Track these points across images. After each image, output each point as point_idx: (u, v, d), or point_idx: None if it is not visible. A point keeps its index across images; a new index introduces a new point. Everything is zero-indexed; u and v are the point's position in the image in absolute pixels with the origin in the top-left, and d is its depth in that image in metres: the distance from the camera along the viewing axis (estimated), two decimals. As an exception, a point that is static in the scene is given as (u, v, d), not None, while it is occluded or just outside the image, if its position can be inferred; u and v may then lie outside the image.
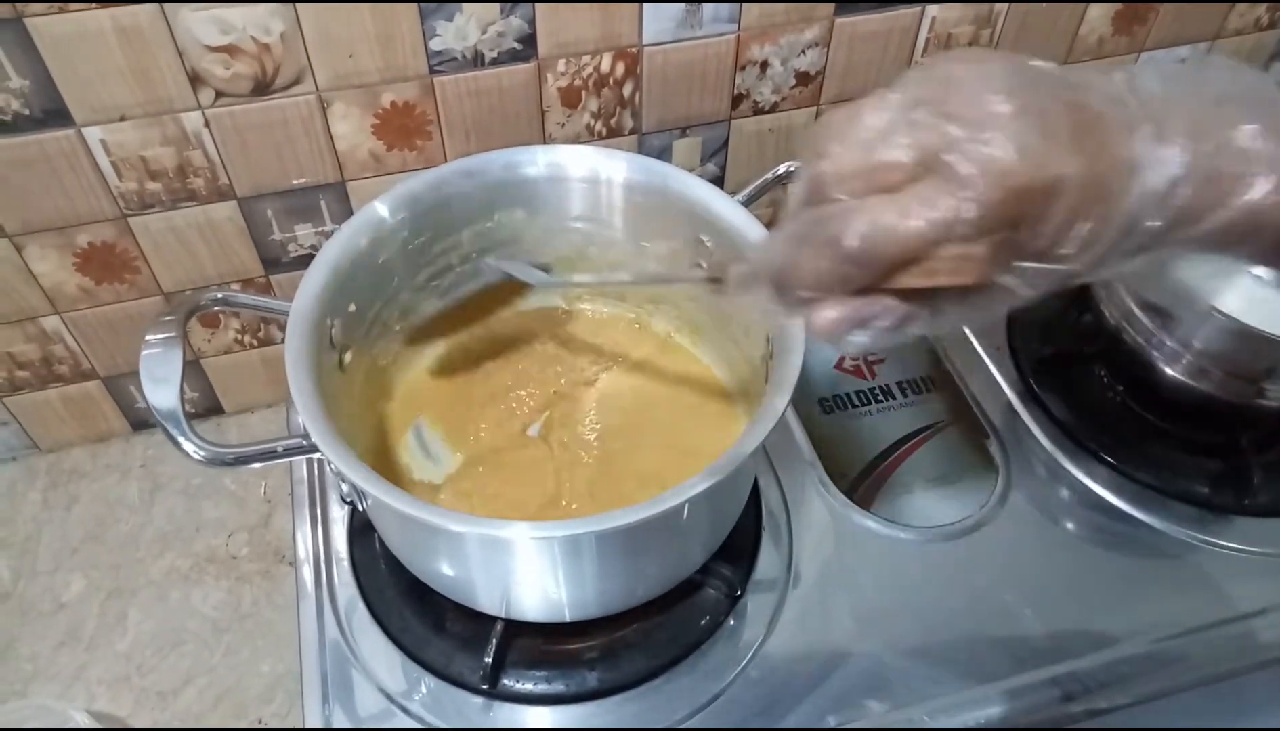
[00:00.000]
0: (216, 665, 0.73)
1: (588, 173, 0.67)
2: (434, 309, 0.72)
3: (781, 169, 0.67)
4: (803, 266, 0.36)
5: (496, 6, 0.68)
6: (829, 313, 0.36)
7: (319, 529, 0.72)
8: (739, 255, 0.40)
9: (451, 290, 0.71)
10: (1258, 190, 0.34)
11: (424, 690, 0.64)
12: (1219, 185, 0.34)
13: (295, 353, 0.55)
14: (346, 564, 0.70)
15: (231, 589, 0.77)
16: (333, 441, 0.51)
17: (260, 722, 0.70)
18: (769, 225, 0.62)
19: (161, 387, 0.52)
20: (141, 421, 0.86)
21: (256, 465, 0.55)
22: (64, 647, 0.73)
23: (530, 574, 0.57)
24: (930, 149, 0.33)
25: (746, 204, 0.65)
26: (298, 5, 0.63)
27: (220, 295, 0.59)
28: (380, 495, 0.50)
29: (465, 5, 0.67)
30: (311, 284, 0.58)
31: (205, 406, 0.88)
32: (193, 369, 0.84)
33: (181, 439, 0.51)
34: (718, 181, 0.85)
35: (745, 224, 0.63)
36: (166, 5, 0.61)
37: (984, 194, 0.32)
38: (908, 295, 0.35)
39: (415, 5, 0.66)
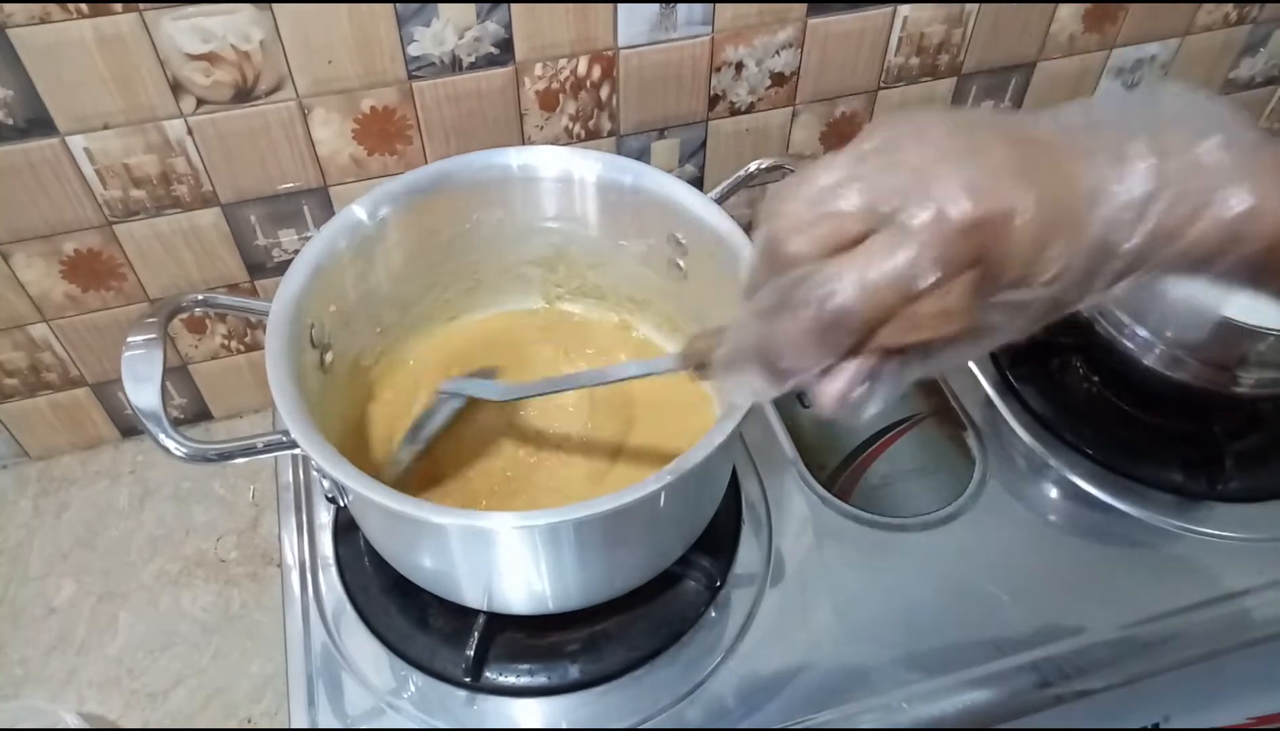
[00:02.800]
0: (206, 666, 0.74)
1: (561, 172, 0.68)
2: (415, 310, 0.73)
3: (753, 166, 0.68)
4: (782, 338, 0.35)
5: (473, 12, 0.69)
6: (833, 385, 0.35)
7: (304, 530, 0.73)
8: (717, 337, 0.41)
9: (431, 292, 0.73)
10: (1233, 200, 0.34)
11: (409, 686, 0.65)
12: (1191, 199, 0.34)
13: (275, 351, 0.56)
14: (332, 564, 0.70)
15: (220, 591, 0.78)
16: (312, 436, 0.52)
17: (249, 722, 0.71)
18: (747, 228, 0.63)
19: (144, 387, 0.53)
20: (131, 428, 0.87)
21: (240, 460, 0.55)
22: (55, 651, 0.74)
23: (511, 565, 0.58)
24: (880, 202, 0.33)
25: (720, 202, 0.66)
26: (276, 13, 0.64)
27: (201, 297, 0.60)
28: (360, 488, 0.51)
29: (442, 10, 0.68)
30: (291, 284, 0.59)
31: (194, 412, 0.88)
32: (181, 375, 0.85)
33: (163, 436, 0.52)
34: (696, 182, 0.86)
35: (718, 221, 0.64)
36: (147, 14, 0.62)
37: (938, 238, 0.32)
38: (898, 351, 0.35)
39: (392, 12, 0.67)
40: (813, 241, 0.34)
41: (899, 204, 0.33)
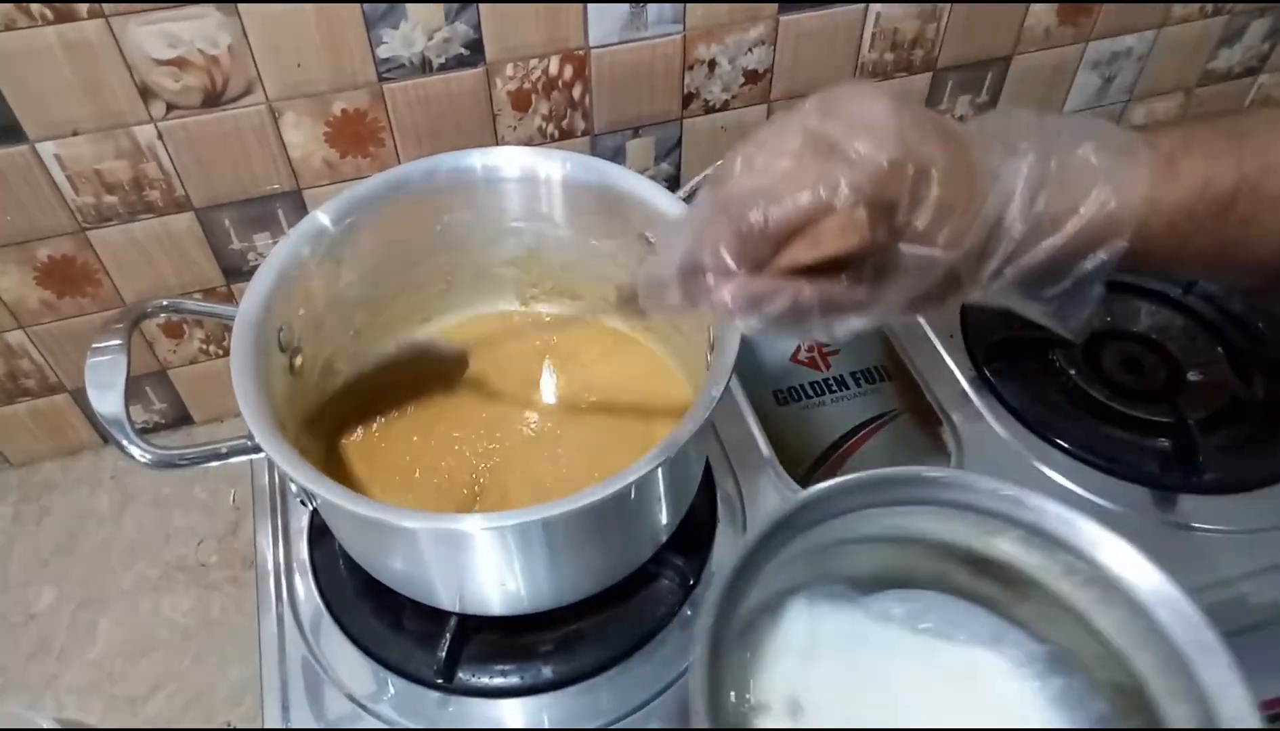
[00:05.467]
0: (185, 671, 0.74)
1: (524, 173, 0.67)
2: (388, 313, 0.73)
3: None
4: (708, 240, 0.40)
5: (441, 13, 0.69)
6: (724, 292, 0.40)
7: (280, 534, 0.73)
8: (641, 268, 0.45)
9: (403, 295, 0.73)
10: (1103, 195, 0.40)
11: (384, 688, 0.64)
12: (1069, 194, 0.40)
13: (240, 356, 0.56)
14: (308, 567, 0.70)
15: (200, 596, 0.78)
16: (275, 440, 0.52)
17: (228, 725, 0.71)
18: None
19: (107, 394, 0.53)
20: (111, 433, 0.87)
21: (213, 463, 0.55)
22: (35, 658, 0.74)
23: (481, 566, 0.57)
24: (824, 140, 0.39)
25: (687, 199, 0.66)
26: (243, 17, 0.64)
27: (166, 303, 0.60)
28: (325, 493, 0.51)
29: (410, 11, 0.68)
30: (257, 289, 0.59)
31: (175, 416, 0.88)
32: (160, 380, 0.85)
33: (126, 443, 0.52)
34: (673, 181, 0.86)
35: (687, 219, 0.64)
36: (113, 20, 0.62)
37: (865, 164, 0.38)
38: (804, 275, 0.39)
39: (360, 14, 0.67)
40: (761, 181, 0.40)
41: (839, 140, 0.39)
